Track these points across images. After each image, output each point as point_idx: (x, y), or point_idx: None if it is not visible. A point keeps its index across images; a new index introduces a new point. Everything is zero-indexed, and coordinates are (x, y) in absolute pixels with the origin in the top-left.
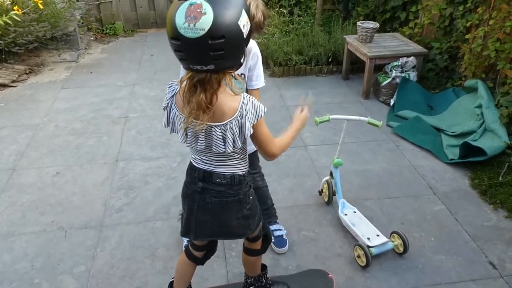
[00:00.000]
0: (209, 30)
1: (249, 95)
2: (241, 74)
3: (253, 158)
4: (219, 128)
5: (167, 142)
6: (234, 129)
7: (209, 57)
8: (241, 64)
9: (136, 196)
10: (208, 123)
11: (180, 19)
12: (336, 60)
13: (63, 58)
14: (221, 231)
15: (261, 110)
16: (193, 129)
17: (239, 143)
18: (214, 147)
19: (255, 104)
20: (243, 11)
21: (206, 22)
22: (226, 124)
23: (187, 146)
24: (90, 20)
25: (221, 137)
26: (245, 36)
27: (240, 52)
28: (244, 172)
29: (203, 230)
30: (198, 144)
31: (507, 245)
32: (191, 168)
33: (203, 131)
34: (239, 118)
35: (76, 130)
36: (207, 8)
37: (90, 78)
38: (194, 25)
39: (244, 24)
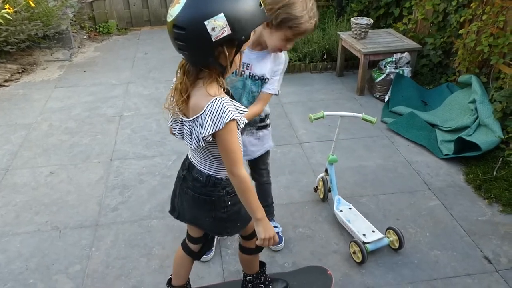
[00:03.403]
0: (175, 17)
1: (224, 98)
2: (265, 78)
3: (265, 155)
4: (187, 123)
5: (161, 141)
6: (198, 127)
7: (176, 44)
8: (225, 67)
9: (131, 195)
10: (181, 116)
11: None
12: (330, 57)
13: (56, 57)
14: (196, 222)
15: (228, 115)
16: (175, 113)
17: (202, 143)
18: (185, 140)
19: (223, 108)
20: (221, 16)
21: (176, 9)
22: (193, 121)
23: (173, 131)
24: (83, 18)
25: (189, 132)
26: (213, 39)
27: (205, 53)
28: (222, 177)
29: (184, 214)
30: (177, 132)
31: (501, 240)
32: (186, 156)
33: (181, 121)
34: (202, 118)
35: (70, 129)
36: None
37: (83, 77)
38: (171, 10)
39: (214, 27)
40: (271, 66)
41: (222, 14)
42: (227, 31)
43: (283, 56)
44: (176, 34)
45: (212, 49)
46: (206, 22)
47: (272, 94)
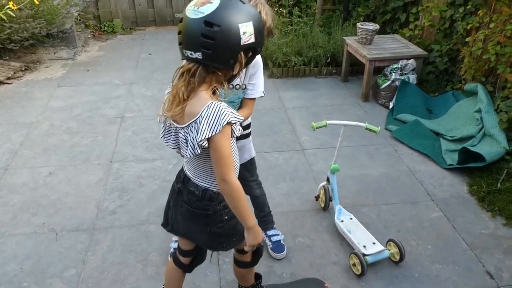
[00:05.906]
0: (207, 15)
1: (220, 102)
2: (242, 84)
3: (249, 166)
4: (182, 130)
5: (162, 144)
6: (193, 132)
7: (199, 42)
8: (233, 75)
9: (130, 199)
10: (174, 124)
11: (192, 2)
12: (335, 62)
13: (59, 55)
14: (191, 236)
15: (225, 118)
16: (168, 122)
17: (198, 149)
18: (181, 149)
19: (219, 111)
20: (251, 24)
21: (208, 8)
22: (187, 126)
23: (165, 143)
24: (87, 17)
25: (184, 139)
26: (242, 43)
27: (230, 55)
28: (218, 190)
29: (178, 227)
30: (171, 142)
31: (504, 254)
32: (181, 168)
33: (175, 129)
34: (198, 122)
35: (71, 129)
36: (216, 1)
37: (86, 76)
38: (198, 8)
39: (245, 31)
40: (245, 72)
41: (251, 22)
42: (252, 39)
43: (256, 58)
44: (206, 31)
45: (237, 52)
46: (240, 25)
47: (256, 97)
